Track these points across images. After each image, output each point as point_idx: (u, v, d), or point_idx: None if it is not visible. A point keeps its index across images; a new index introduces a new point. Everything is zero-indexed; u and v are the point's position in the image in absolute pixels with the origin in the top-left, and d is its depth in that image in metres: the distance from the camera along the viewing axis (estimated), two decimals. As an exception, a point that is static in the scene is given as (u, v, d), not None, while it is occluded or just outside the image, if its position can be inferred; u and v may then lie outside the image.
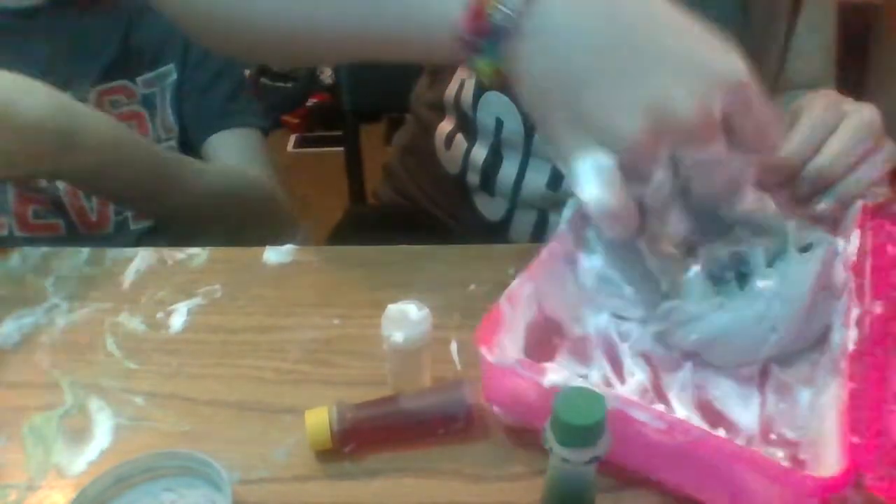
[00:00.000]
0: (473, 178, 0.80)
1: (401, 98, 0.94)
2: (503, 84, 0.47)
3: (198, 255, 0.63)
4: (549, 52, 0.44)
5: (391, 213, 0.95)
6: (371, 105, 1.13)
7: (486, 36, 0.44)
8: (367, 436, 0.45)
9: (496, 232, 0.77)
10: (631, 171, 0.44)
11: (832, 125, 0.54)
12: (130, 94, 0.79)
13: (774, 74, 0.79)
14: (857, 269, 0.48)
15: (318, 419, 0.44)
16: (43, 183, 0.76)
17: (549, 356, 0.47)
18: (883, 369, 0.42)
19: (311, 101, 2.50)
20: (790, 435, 0.44)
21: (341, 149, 1.17)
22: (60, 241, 0.73)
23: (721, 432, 0.42)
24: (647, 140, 0.43)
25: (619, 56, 0.44)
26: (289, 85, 2.53)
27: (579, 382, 0.40)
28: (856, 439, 0.37)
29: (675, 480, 0.41)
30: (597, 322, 0.50)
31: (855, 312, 0.45)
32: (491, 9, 0.43)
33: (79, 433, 0.47)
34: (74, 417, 0.48)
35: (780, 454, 0.42)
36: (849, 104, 0.56)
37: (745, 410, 0.45)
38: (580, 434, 0.30)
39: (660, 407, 0.44)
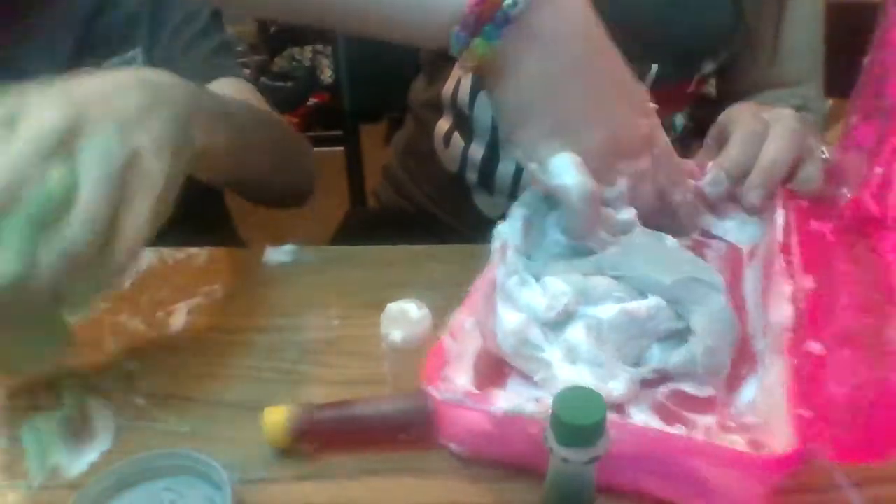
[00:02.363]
0: (472, 176, 0.80)
1: (401, 98, 0.95)
2: (480, 75, 0.50)
3: (198, 255, 0.63)
4: (543, 54, 0.47)
5: (391, 213, 0.96)
6: (371, 105, 1.13)
7: (491, 20, 0.45)
8: (324, 437, 0.45)
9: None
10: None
11: (762, 133, 0.56)
12: None
13: (762, 72, 0.80)
14: (785, 248, 0.50)
15: (276, 417, 0.44)
16: None
17: (502, 383, 0.47)
18: (820, 340, 0.42)
19: (311, 101, 2.49)
20: (747, 420, 0.44)
21: (341, 149, 1.17)
22: None
23: (679, 429, 0.42)
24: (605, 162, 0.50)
25: (594, 77, 0.49)
26: (289, 85, 2.53)
27: (532, 406, 0.40)
28: (804, 412, 0.38)
29: (635, 483, 0.41)
30: None
31: (788, 290, 0.46)
32: None
33: (79, 433, 0.47)
34: (75, 417, 0.48)
35: (740, 441, 0.42)
36: (768, 112, 0.58)
37: (698, 405, 0.46)
38: (580, 434, 0.31)
39: (614, 415, 0.42)
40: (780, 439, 0.38)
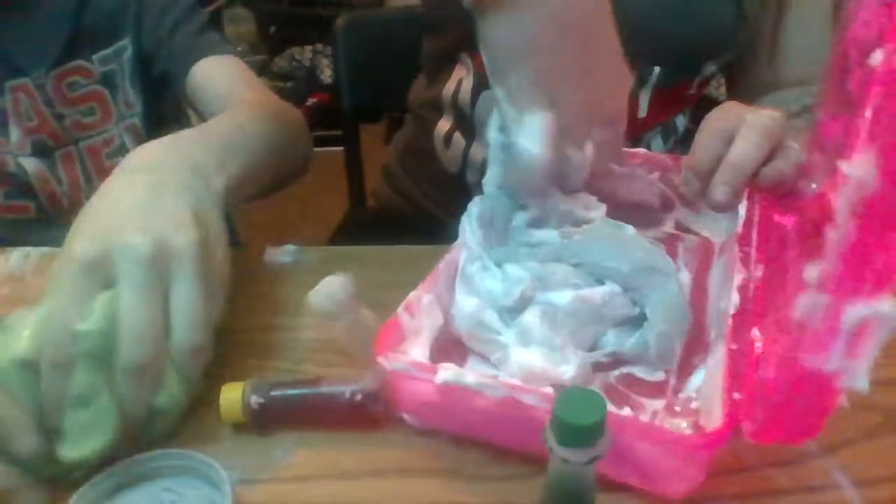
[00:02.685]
0: (473, 177, 0.80)
1: (401, 98, 0.95)
2: (480, 7, 0.49)
3: (198, 255, 0.63)
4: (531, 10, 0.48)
5: (391, 213, 0.95)
6: (371, 105, 1.13)
7: None
8: (278, 414, 0.46)
9: None
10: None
11: (732, 131, 0.55)
12: (88, 74, 0.77)
13: (766, 73, 0.79)
14: (743, 239, 0.51)
15: (232, 394, 0.45)
16: (11, 167, 0.76)
17: (461, 361, 0.49)
18: (761, 328, 0.42)
19: (310, 101, 2.50)
20: (694, 405, 0.46)
21: (341, 149, 1.17)
22: (31, 222, 0.76)
23: (626, 411, 0.43)
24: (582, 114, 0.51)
25: (594, 43, 0.51)
26: (288, 84, 2.54)
27: (472, 377, 0.41)
28: (736, 395, 0.39)
29: None
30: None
31: (738, 278, 0.47)
32: None
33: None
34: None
35: (683, 424, 0.45)
36: (750, 112, 0.57)
37: (649, 389, 0.48)
38: (580, 434, 0.30)
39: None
40: (715, 421, 0.39)
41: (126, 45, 0.79)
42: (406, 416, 0.46)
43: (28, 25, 0.74)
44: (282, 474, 0.44)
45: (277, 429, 0.47)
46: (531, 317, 0.47)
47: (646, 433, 0.39)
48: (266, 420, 0.46)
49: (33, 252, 0.62)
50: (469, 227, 0.53)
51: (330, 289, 0.47)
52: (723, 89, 0.93)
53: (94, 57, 0.77)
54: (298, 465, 0.45)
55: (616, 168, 0.60)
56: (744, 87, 0.82)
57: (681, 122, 0.84)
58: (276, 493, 0.43)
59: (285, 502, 0.43)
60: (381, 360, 0.43)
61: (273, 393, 0.46)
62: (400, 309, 0.46)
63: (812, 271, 0.33)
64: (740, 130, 0.55)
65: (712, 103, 0.86)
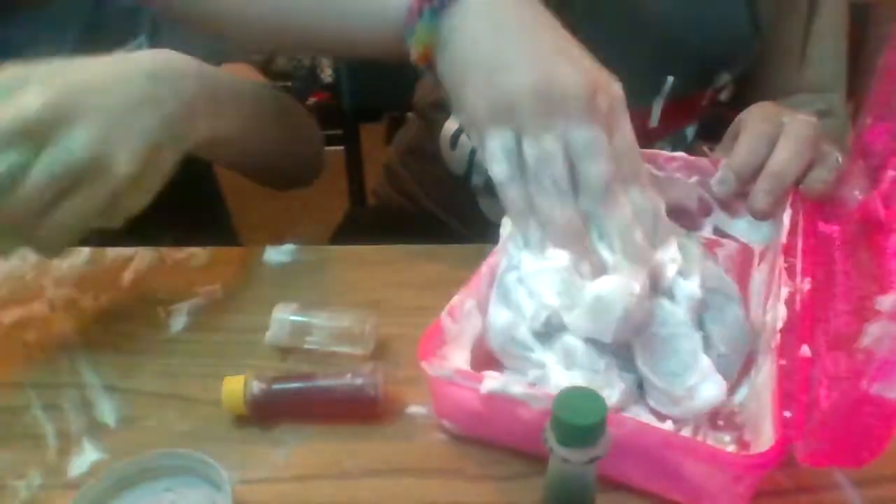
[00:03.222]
0: (478, 179, 0.79)
1: (401, 98, 0.94)
2: (429, 64, 0.52)
3: (198, 255, 0.63)
4: (479, 20, 0.50)
5: (392, 212, 0.95)
6: (371, 105, 1.13)
7: (430, 3, 0.50)
8: (280, 406, 0.47)
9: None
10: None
11: (774, 135, 0.55)
12: None
13: (785, 81, 0.79)
14: (788, 249, 0.50)
15: (234, 386, 0.46)
16: None
17: (500, 368, 0.47)
18: (811, 344, 0.42)
19: (310, 101, 2.49)
20: (738, 419, 0.45)
21: (341, 148, 1.16)
22: None
23: (668, 424, 0.43)
24: (538, 101, 0.47)
25: (532, 38, 0.50)
26: (288, 84, 2.53)
27: (519, 388, 0.40)
28: (787, 413, 0.38)
29: (622, 473, 0.42)
30: None
31: (785, 291, 0.46)
32: None
33: (79, 433, 0.47)
34: (75, 417, 0.48)
35: (726, 438, 0.43)
36: (787, 115, 0.57)
37: None
38: (580, 434, 0.30)
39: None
40: (764, 439, 0.38)
41: (142, 43, 0.79)
42: (446, 423, 0.46)
43: (41, 24, 0.74)
44: (282, 474, 0.44)
45: (278, 424, 0.47)
46: (573, 339, 0.45)
47: (696, 451, 0.39)
48: (267, 412, 0.46)
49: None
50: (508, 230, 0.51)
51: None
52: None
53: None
54: (298, 465, 0.45)
55: (655, 171, 0.59)
56: (759, 96, 0.82)
57: (690, 131, 0.84)
58: (276, 493, 0.43)
59: (285, 502, 0.43)
60: (424, 365, 0.42)
61: (275, 385, 0.46)
62: (443, 313, 0.45)
63: (885, 301, 0.33)
64: (781, 138, 0.55)
65: (720, 105, 0.86)
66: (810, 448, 0.36)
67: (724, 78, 0.78)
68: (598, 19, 0.67)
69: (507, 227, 0.51)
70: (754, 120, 0.57)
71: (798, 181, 0.55)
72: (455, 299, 0.46)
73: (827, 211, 0.54)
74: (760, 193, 0.54)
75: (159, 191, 0.51)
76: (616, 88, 0.49)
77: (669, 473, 0.39)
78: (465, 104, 0.50)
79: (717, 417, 0.45)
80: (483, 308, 0.48)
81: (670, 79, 0.73)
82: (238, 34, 0.63)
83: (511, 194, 0.49)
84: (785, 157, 0.54)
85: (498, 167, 0.49)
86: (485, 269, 0.49)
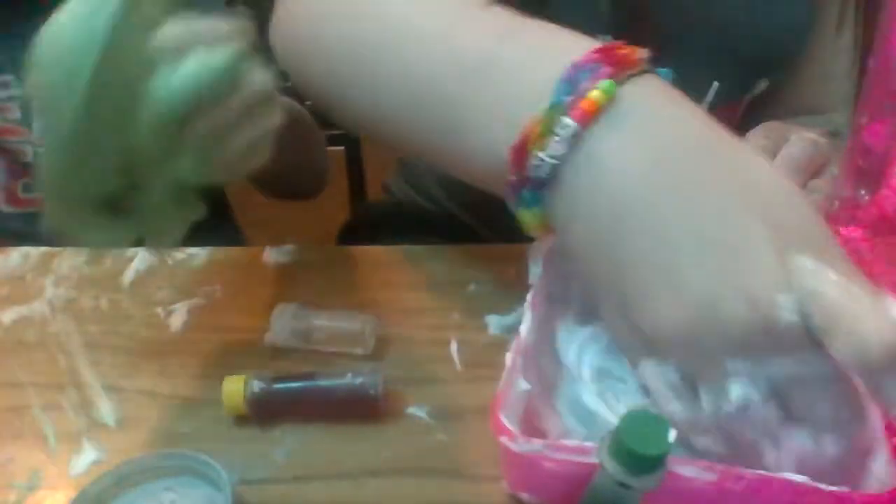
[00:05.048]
0: None
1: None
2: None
3: (198, 255, 0.63)
4: (584, 214, 0.37)
5: (409, 212, 0.92)
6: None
7: (526, 184, 0.38)
8: (280, 405, 0.47)
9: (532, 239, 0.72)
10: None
11: (774, 152, 0.54)
12: None
13: (811, 94, 0.77)
14: None
15: (234, 386, 0.46)
16: (30, 157, 0.76)
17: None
18: None
19: (310, 101, 2.50)
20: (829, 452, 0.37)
21: (341, 148, 1.16)
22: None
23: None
24: (693, 344, 0.35)
25: (662, 238, 0.35)
26: (289, 84, 2.53)
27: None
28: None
29: None
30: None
31: None
32: (533, 151, 0.37)
33: (79, 433, 0.47)
34: (75, 417, 0.48)
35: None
36: (792, 133, 0.55)
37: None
38: (642, 462, 0.29)
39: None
40: (879, 474, 0.35)
41: None
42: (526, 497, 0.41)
43: (50, 11, 0.74)
44: (282, 474, 0.44)
45: (278, 424, 0.47)
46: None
47: (818, 496, 0.34)
48: (267, 412, 0.46)
49: (33, 252, 0.62)
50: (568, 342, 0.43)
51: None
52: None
53: None
54: (298, 465, 0.45)
55: None
56: (772, 112, 0.81)
57: None
58: (276, 493, 0.43)
59: (285, 502, 0.43)
60: (504, 441, 0.37)
61: (275, 385, 0.46)
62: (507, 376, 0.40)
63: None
64: (779, 154, 0.53)
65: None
66: None
67: (763, 85, 0.75)
68: (662, 20, 0.64)
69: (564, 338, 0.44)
70: (757, 136, 0.56)
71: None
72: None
73: (841, 216, 0.53)
74: None
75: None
76: (811, 271, 0.33)
77: None
78: (603, 314, 0.41)
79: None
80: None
81: (715, 84, 0.70)
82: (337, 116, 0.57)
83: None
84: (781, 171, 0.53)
85: (670, 406, 0.37)
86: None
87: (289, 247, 0.63)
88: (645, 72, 0.38)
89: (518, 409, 0.39)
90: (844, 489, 0.34)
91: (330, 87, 0.53)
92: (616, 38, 0.43)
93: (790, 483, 0.34)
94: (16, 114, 0.74)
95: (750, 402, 0.35)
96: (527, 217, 0.40)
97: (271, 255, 0.63)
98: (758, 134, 0.57)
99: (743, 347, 0.34)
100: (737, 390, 0.35)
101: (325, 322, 0.51)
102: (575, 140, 0.36)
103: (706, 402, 0.36)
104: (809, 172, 0.54)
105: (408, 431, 0.47)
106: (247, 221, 1.03)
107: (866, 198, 0.49)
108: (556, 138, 0.36)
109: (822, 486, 0.33)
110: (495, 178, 0.40)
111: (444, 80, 0.43)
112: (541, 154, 0.36)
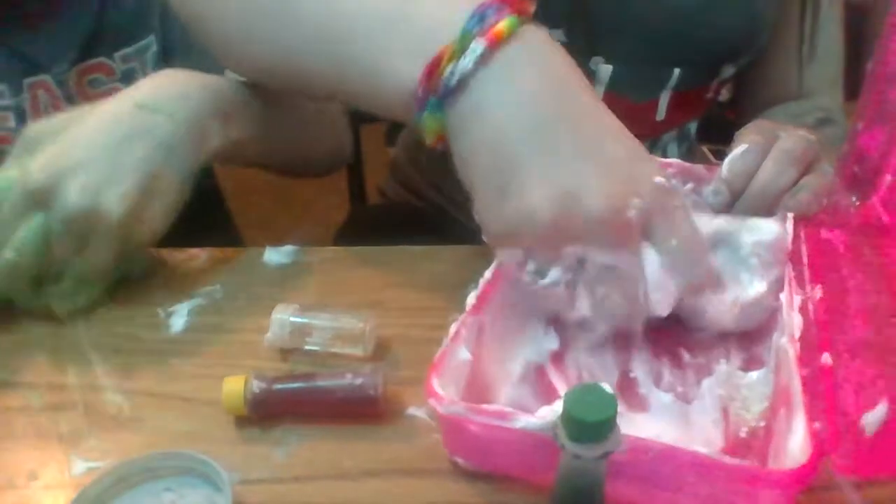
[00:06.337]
0: None
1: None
2: (444, 148, 0.48)
3: (198, 255, 0.63)
4: (486, 118, 0.45)
5: (401, 210, 0.94)
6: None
7: (435, 93, 0.45)
8: (280, 407, 0.47)
9: None
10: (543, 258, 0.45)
11: (767, 148, 0.55)
12: (110, 71, 0.77)
13: (785, 79, 0.78)
14: (795, 257, 0.49)
15: (235, 386, 0.46)
16: None
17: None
18: (830, 351, 0.42)
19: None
20: (759, 432, 0.43)
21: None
22: None
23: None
24: (553, 228, 0.43)
25: (547, 140, 0.44)
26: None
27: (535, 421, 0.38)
28: (816, 424, 0.37)
29: (646, 501, 0.40)
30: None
31: (797, 300, 0.46)
32: (444, 67, 0.45)
33: (79, 433, 0.47)
34: (75, 417, 0.48)
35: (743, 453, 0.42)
36: (783, 130, 0.56)
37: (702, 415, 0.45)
38: (592, 430, 0.30)
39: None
40: (793, 453, 0.37)
41: (150, 43, 0.79)
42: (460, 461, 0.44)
43: (48, 23, 0.74)
44: (282, 474, 0.44)
45: (278, 424, 0.47)
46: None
47: (733, 472, 0.36)
48: (267, 412, 0.46)
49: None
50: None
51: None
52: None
53: (116, 55, 0.77)
54: (298, 465, 0.45)
55: None
56: (759, 95, 0.81)
57: (692, 127, 0.84)
58: (276, 493, 0.43)
59: (285, 502, 0.43)
60: (432, 402, 0.40)
61: (275, 385, 0.46)
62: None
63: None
64: (770, 153, 0.54)
65: (719, 114, 0.85)
66: (850, 460, 0.35)
67: (729, 71, 0.77)
68: (610, 10, 0.66)
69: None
70: (749, 133, 0.57)
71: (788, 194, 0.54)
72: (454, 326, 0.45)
73: (827, 218, 0.54)
74: (742, 209, 0.54)
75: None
76: (656, 188, 0.45)
77: (701, 495, 0.37)
78: (476, 210, 0.47)
79: (738, 431, 0.44)
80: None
81: (677, 71, 0.73)
82: (237, 60, 0.60)
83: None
84: (767, 177, 0.54)
85: (528, 279, 0.47)
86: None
87: (289, 247, 0.63)
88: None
89: (458, 378, 0.43)
90: (755, 464, 0.38)
91: (238, 25, 0.56)
92: (569, 28, 0.47)
93: (691, 454, 0.36)
94: (10, 123, 0.74)
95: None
96: (428, 121, 0.46)
97: (271, 256, 0.63)
98: (749, 130, 0.57)
99: (588, 234, 0.43)
100: (555, 274, 0.45)
101: (324, 322, 0.51)
102: (482, 60, 0.44)
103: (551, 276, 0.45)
104: (804, 165, 0.54)
105: (408, 431, 0.47)
106: (247, 221, 1.04)
107: (857, 204, 0.50)
108: (466, 58, 0.44)
109: (731, 461, 0.36)
110: (403, 101, 0.47)
111: (365, 18, 0.49)
112: (451, 67, 0.44)
